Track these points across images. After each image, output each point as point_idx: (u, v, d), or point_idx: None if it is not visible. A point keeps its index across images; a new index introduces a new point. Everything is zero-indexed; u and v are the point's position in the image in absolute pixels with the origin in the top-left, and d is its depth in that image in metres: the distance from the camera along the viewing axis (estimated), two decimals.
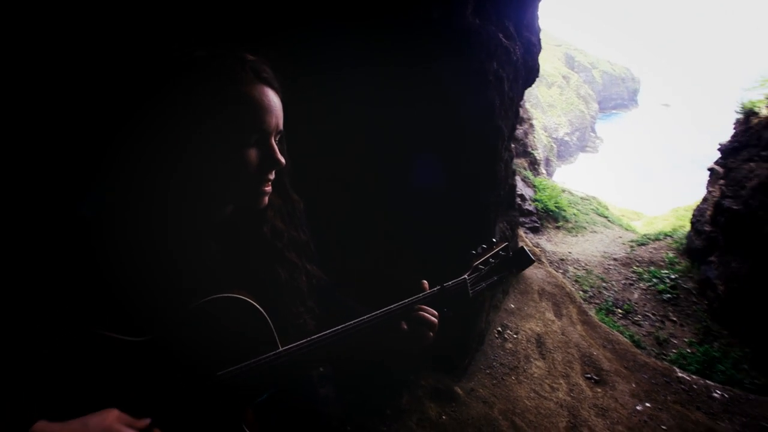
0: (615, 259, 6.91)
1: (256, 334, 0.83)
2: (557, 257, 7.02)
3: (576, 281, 6.22)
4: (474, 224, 2.17)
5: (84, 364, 0.68)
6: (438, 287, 0.97)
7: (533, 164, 11.74)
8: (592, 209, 9.78)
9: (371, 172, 1.62)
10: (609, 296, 6.02)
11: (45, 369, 0.65)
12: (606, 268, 6.70)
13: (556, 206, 8.81)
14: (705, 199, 6.58)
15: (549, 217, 8.67)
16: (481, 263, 1.05)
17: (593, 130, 28.36)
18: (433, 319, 0.93)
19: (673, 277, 6.10)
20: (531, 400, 2.46)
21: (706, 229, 6.11)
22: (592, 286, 6.20)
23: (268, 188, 0.83)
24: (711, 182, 6.52)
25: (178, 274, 0.78)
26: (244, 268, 0.89)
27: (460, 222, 2.08)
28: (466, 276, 1.01)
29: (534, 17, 3.04)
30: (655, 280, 6.16)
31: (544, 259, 5.69)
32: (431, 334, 0.92)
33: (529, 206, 8.22)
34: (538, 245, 7.23)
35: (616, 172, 24.03)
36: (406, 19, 1.72)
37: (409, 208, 1.75)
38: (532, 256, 1.15)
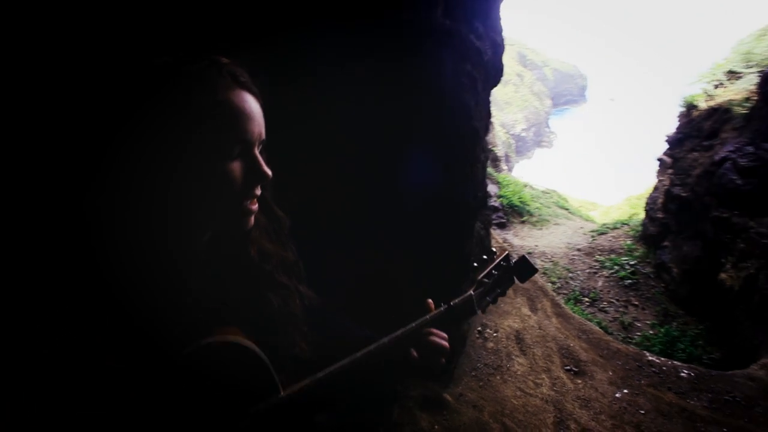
0: (579, 250, 7.21)
1: (253, 381, 0.74)
2: (525, 251, 7.23)
3: (544, 273, 6.43)
4: (455, 226, 2.16)
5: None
6: (445, 306, 0.92)
7: (494, 161, 12.08)
8: (554, 202, 10.18)
9: (353, 179, 1.56)
10: (576, 286, 6.27)
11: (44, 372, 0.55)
12: (571, 259, 6.98)
13: (520, 201, 9.10)
14: (656, 188, 7.00)
15: (514, 212, 8.93)
16: (484, 276, 1.01)
17: (548, 126, 29.62)
18: (445, 343, 0.87)
19: (632, 263, 6.45)
20: (518, 399, 2.47)
21: (659, 216, 6.50)
22: (559, 277, 6.43)
23: (255, 206, 0.73)
24: (660, 171, 6.95)
25: (153, 319, 0.68)
26: (230, 299, 0.79)
27: (442, 224, 2.05)
28: (471, 291, 0.97)
29: (497, 17, 3.08)
30: (616, 267, 6.49)
31: (514, 255, 5.81)
32: (444, 360, 0.87)
33: (494, 202, 8.42)
34: (506, 240, 7.42)
35: (571, 164, 25.21)
36: (380, 21, 1.66)
37: (393, 214, 1.70)
38: (534, 265, 1.12)
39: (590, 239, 7.58)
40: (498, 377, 2.66)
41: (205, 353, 0.68)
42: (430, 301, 0.94)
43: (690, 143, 6.03)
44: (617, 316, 5.61)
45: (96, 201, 0.65)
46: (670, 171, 6.32)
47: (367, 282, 1.57)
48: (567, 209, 9.96)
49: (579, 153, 27.25)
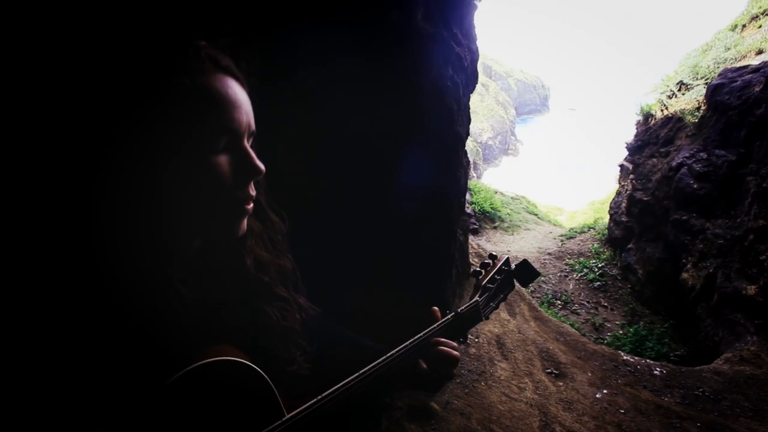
0: (549, 254, 7.42)
1: (255, 404, 0.66)
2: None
3: None
4: (441, 228, 2.14)
5: None
6: (452, 314, 0.88)
7: None
8: (523, 208, 10.48)
9: (348, 180, 1.51)
10: (548, 289, 6.42)
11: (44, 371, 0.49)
12: (542, 263, 7.16)
13: (491, 207, 9.30)
14: (618, 193, 7.33)
15: (486, 218, 9.11)
16: (488, 282, 0.98)
17: (513, 134, 30.65)
18: (456, 353, 0.83)
19: (600, 265, 6.69)
20: (503, 404, 2.46)
21: (623, 219, 6.80)
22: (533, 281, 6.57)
23: (249, 206, 0.65)
24: (622, 177, 7.29)
25: (142, 340, 0.59)
26: (224, 313, 0.71)
27: (428, 226, 2.04)
28: (477, 297, 0.93)
29: (472, 25, 3.14)
30: (585, 270, 6.71)
31: (489, 249, 5.89)
32: (453, 371, 0.82)
33: (468, 209, 8.56)
34: (479, 246, 7.53)
35: (536, 171, 26.13)
36: (361, 21, 1.63)
37: (388, 215, 1.67)
38: (536, 269, 1.11)
39: (560, 243, 7.83)
40: (483, 383, 2.64)
41: (192, 380, 0.59)
42: (435, 309, 0.90)
43: (649, 150, 6.37)
44: (588, 317, 5.78)
45: (81, 198, 0.56)
46: (631, 176, 6.63)
47: (365, 287, 1.51)
48: (536, 215, 10.26)
49: (543, 160, 28.32)
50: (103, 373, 0.52)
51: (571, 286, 6.44)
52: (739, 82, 4.83)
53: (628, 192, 6.72)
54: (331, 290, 1.08)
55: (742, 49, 5.39)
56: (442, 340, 0.83)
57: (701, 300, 4.74)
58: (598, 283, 6.36)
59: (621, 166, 7.27)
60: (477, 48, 3.37)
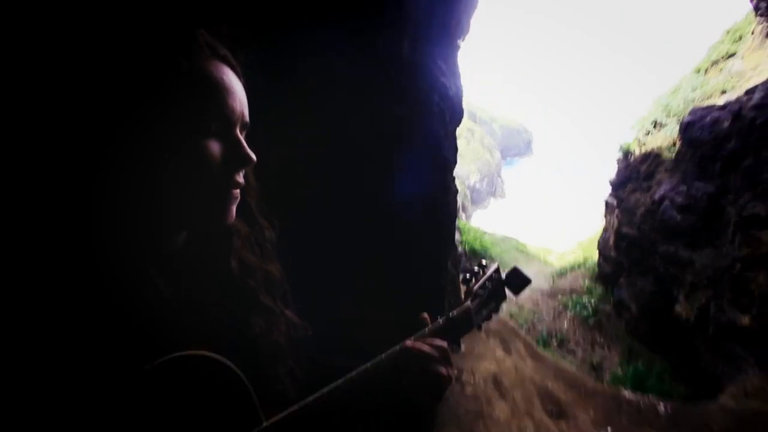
0: (542, 293, 7.33)
1: (231, 407, 0.59)
2: None
3: (511, 317, 6.40)
4: (433, 241, 2.10)
5: None
6: (443, 318, 0.82)
7: None
8: (513, 247, 10.50)
9: (336, 184, 1.50)
10: (542, 328, 6.27)
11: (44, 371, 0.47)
12: (535, 301, 7.06)
13: (481, 246, 9.29)
14: (605, 229, 7.41)
15: (476, 257, 9.06)
16: (479, 288, 0.93)
17: (500, 177, 31.44)
18: (446, 347, 0.75)
19: (593, 302, 6.61)
20: None
21: (612, 255, 6.83)
22: (526, 320, 6.42)
23: (237, 193, 0.63)
24: (608, 213, 7.41)
25: (116, 329, 0.54)
26: (205, 318, 0.65)
27: (421, 236, 2.00)
28: (469, 303, 0.88)
29: (455, 63, 3.29)
30: (579, 306, 6.61)
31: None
32: (447, 371, 0.74)
33: (458, 248, 8.53)
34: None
35: (523, 212, 26.55)
36: (351, 46, 1.68)
37: (385, 224, 1.64)
38: (527, 276, 1.06)
39: (551, 281, 7.77)
40: (481, 425, 2.46)
41: (170, 369, 0.55)
42: (425, 314, 0.84)
43: (631, 185, 6.54)
44: (585, 356, 5.61)
45: (69, 183, 0.53)
46: (616, 212, 6.75)
47: (357, 293, 1.44)
48: (527, 254, 10.27)
49: (530, 201, 28.90)
50: (86, 365, 0.50)
51: (565, 325, 6.31)
52: (708, 119, 5.08)
53: (614, 227, 6.81)
54: (322, 294, 1.01)
55: (707, 90, 5.74)
56: (432, 339, 0.76)
57: (697, 333, 4.65)
58: (593, 320, 6.25)
59: (606, 202, 7.41)
60: (461, 86, 3.52)
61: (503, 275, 1.02)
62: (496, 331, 3.98)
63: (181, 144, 0.55)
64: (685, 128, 5.50)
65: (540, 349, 4.06)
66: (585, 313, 6.34)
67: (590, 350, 5.75)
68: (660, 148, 5.91)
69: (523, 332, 4.45)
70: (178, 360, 0.56)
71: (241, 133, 0.62)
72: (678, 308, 4.95)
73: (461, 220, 11.12)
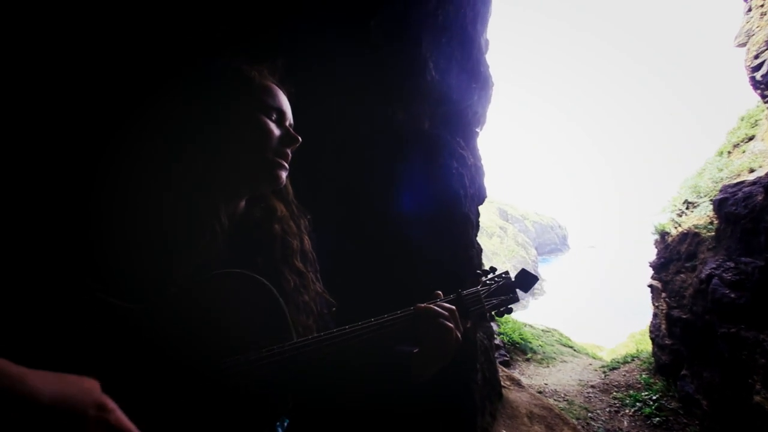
0: (592, 387, 6.60)
1: (269, 322, 0.71)
2: (535, 390, 6.59)
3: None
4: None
5: (68, 323, 0.53)
6: (454, 294, 0.93)
7: None
8: (556, 340, 9.74)
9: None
10: (599, 427, 5.51)
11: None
12: (587, 397, 6.32)
13: (521, 338, 8.73)
14: (655, 315, 6.89)
15: (517, 349, 8.47)
16: (489, 280, 1.04)
17: (537, 273, 30.38)
18: (454, 309, 0.85)
19: (654, 398, 5.85)
20: None
21: (667, 342, 6.23)
22: (578, 418, 5.70)
23: (286, 164, 0.84)
24: (655, 297, 6.96)
25: (179, 257, 0.70)
26: (252, 269, 0.81)
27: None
28: (478, 287, 0.99)
29: (476, 146, 3.64)
30: (638, 404, 5.85)
31: (524, 383, 5.32)
32: (458, 333, 0.83)
33: (495, 340, 8.05)
34: (511, 377, 6.83)
35: (566, 310, 24.90)
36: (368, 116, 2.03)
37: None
38: (533, 274, 1.15)
39: (602, 375, 7.02)
40: None
41: (222, 282, 0.70)
42: (438, 291, 0.95)
43: (674, 266, 6.26)
44: None
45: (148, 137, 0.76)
46: (663, 295, 6.36)
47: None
48: (571, 347, 9.47)
49: (572, 296, 27.28)
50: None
51: (625, 424, 5.52)
52: (740, 194, 5.06)
53: (664, 311, 6.34)
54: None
55: (734, 169, 5.80)
56: (442, 304, 0.86)
57: None
58: (657, 419, 5.46)
59: (650, 286, 7.03)
60: (482, 166, 3.83)
61: (512, 277, 1.14)
62: (541, 417, 3.62)
63: (254, 120, 0.80)
64: (719, 204, 5.45)
65: None
66: (647, 410, 5.58)
67: None
68: (697, 227, 5.80)
69: (573, 420, 3.99)
70: (224, 275, 0.70)
71: (290, 128, 0.86)
72: (757, 398, 4.31)
73: None
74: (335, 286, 1.01)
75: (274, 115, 0.83)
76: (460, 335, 0.85)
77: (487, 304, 1.02)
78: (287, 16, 1.41)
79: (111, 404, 0.47)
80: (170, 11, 1.11)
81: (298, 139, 0.85)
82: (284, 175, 0.85)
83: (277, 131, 0.82)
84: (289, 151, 0.85)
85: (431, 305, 0.87)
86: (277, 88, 0.86)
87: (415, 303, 0.88)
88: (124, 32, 1.04)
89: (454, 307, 0.87)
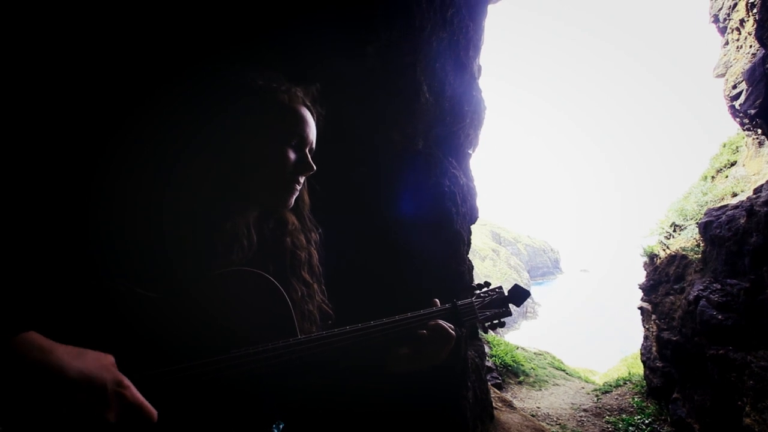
0: (585, 410, 6.54)
1: (276, 320, 0.76)
2: (528, 413, 6.51)
3: None
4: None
5: (90, 308, 0.58)
6: (450, 303, 0.98)
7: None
8: (548, 363, 9.68)
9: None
10: None
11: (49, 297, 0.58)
12: (579, 421, 6.25)
13: (513, 361, 8.66)
14: (645, 337, 6.92)
15: (509, 372, 8.40)
16: (482, 293, 1.10)
17: (530, 297, 30.34)
18: (451, 331, 0.90)
19: (647, 422, 5.81)
20: None
21: (658, 365, 6.24)
22: None
23: (298, 188, 0.89)
24: (645, 320, 7.01)
25: (196, 254, 0.76)
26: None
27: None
28: (472, 299, 1.04)
29: (468, 167, 3.74)
30: (631, 428, 5.80)
31: (516, 405, 5.26)
32: (449, 347, 0.88)
33: (488, 362, 7.99)
34: (503, 399, 6.75)
35: (558, 333, 24.78)
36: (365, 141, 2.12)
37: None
38: (525, 288, 1.21)
39: (595, 399, 6.97)
40: None
41: (234, 278, 0.75)
42: (436, 299, 1.00)
43: (663, 288, 6.34)
44: None
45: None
46: (653, 317, 6.42)
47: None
48: (564, 370, 9.41)
49: (565, 320, 27.21)
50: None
51: None
52: (724, 218, 5.21)
53: (654, 334, 6.38)
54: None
55: (717, 193, 5.99)
56: (439, 320, 0.92)
57: None
58: None
59: (640, 308, 7.09)
60: (475, 187, 3.92)
61: (506, 291, 1.19)
62: None
63: (273, 148, 0.84)
64: (704, 228, 5.59)
65: None
66: None
67: None
68: (684, 249, 5.92)
69: None
70: (234, 272, 0.76)
71: (309, 153, 0.90)
72: (747, 420, 4.32)
73: (491, 334, 10.58)
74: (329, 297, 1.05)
75: (294, 141, 0.86)
76: (453, 335, 0.90)
77: (481, 316, 1.07)
78: (291, 26, 1.49)
79: (126, 381, 0.51)
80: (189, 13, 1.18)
81: (313, 167, 0.89)
82: (292, 199, 0.89)
83: (292, 157, 0.85)
84: (300, 179, 0.89)
85: (440, 322, 0.92)
86: (305, 111, 0.89)
87: (405, 310, 0.93)
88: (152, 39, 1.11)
89: (452, 329, 0.92)
